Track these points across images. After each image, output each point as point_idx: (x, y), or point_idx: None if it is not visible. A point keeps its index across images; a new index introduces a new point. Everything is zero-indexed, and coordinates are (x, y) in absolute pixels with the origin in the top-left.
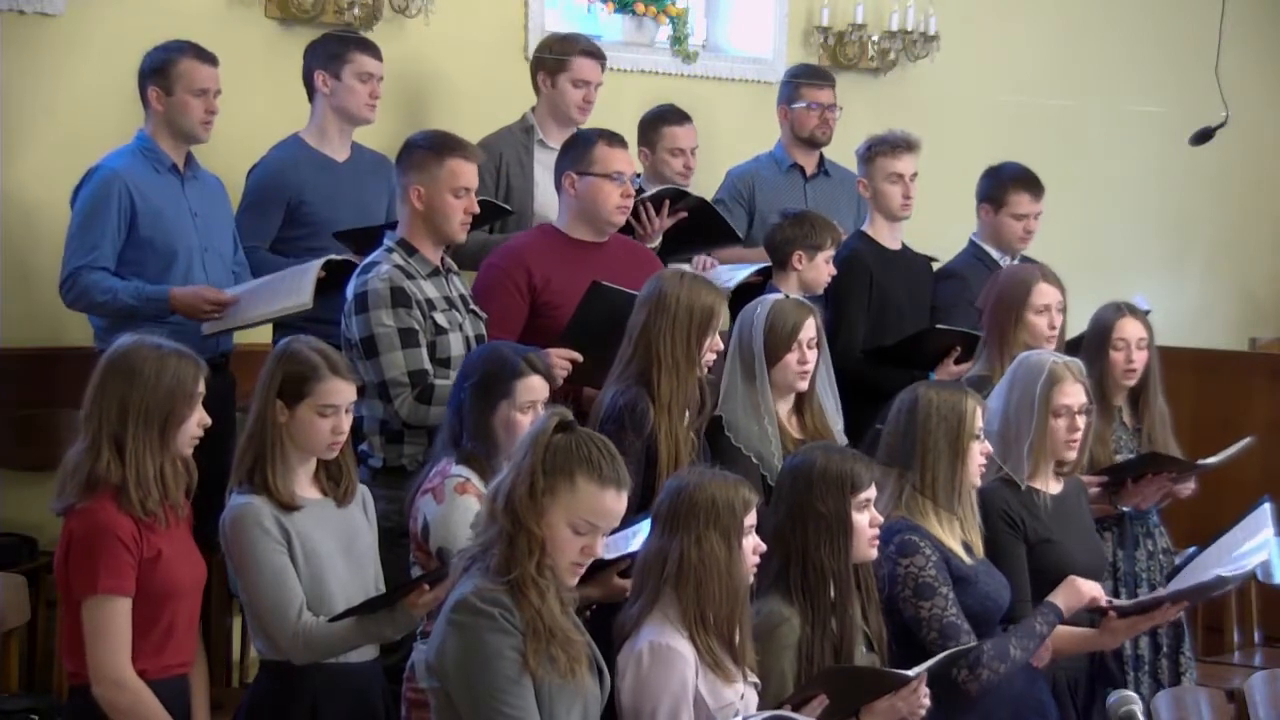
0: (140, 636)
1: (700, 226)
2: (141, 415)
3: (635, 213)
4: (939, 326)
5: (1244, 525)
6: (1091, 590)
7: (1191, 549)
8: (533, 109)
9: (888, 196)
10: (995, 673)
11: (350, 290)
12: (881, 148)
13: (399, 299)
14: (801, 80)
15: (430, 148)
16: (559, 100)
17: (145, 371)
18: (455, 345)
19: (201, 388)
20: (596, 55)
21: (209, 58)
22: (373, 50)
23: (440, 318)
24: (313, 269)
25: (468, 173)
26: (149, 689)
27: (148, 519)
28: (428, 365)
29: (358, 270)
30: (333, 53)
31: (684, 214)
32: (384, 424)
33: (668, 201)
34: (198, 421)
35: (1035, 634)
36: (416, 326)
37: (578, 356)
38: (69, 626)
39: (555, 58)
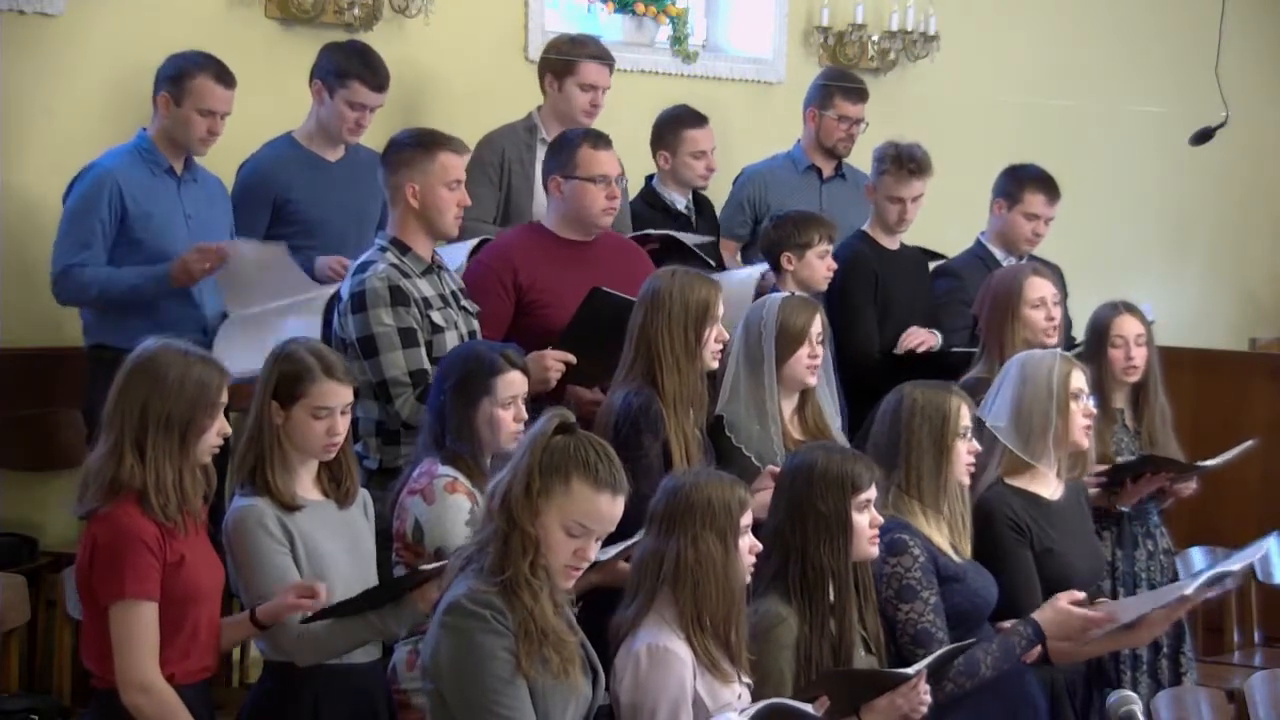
0: (167, 642)
1: (673, 256)
2: (162, 422)
3: None
4: (953, 349)
5: (1243, 554)
6: (1081, 624)
7: (1193, 549)
8: (538, 108)
9: (886, 213)
10: (960, 688)
11: (345, 290)
12: (890, 169)
13: (398, 298)
14: (837, 89)
15: (420, 144)
16: (564, 104)
17: (169, 378)
18: (451, 343)
19: (224, 397)
20: (605, 60)
21: (227, 80)
22: (375, 82)
23: (437, 316)
24: (321, 299)
25: (458, 166)
26: (174, 693)
27: (169, 524)
28: (428, 365)
29: (352, 270)
30: (338, 70)
31: (655, 245)
32: (380, 425)
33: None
34: (218, 431)
35: (1011, 654)
36: (415, 325)
37: (571, 359)
38: (92, 630)
39: (563, 59)
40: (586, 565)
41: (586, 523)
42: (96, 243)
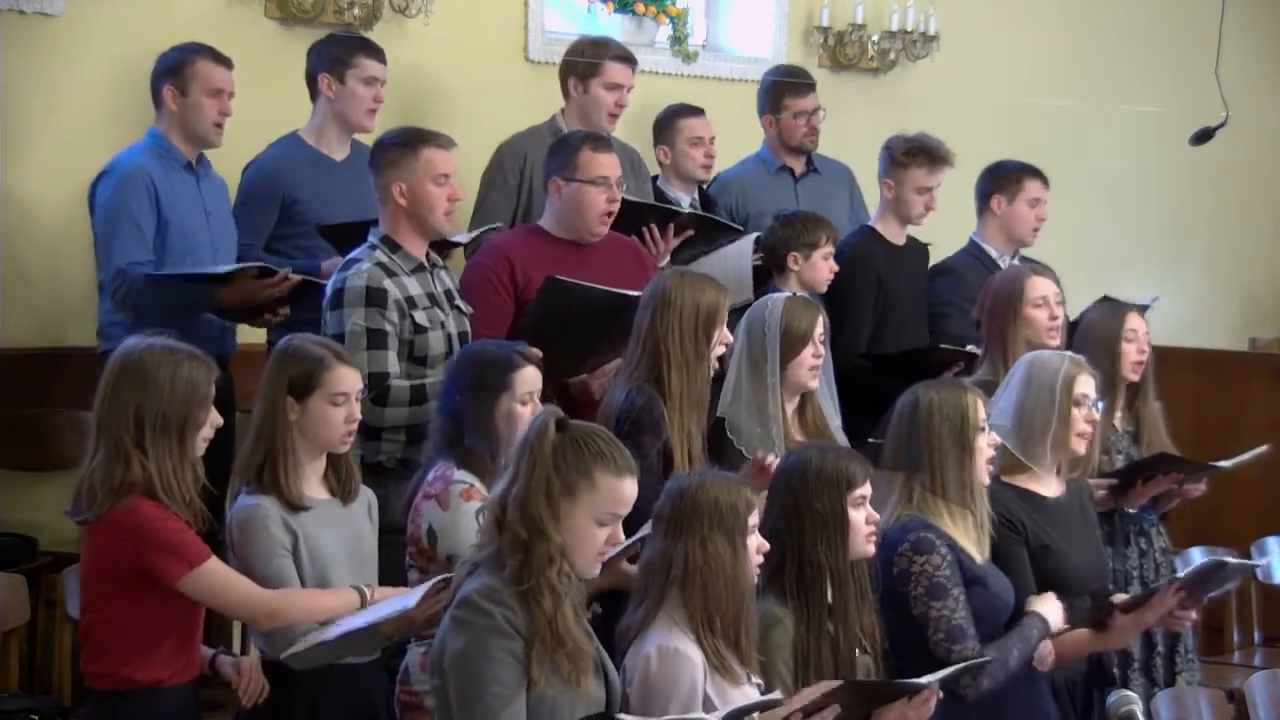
0: (161, 642)
1: (702, 232)
2: (159, 423)
3: (640, 235)
4: (942, 346)
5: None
6: (1056, 618)
7: (1193, 549)
8: (561, 111)
9: (912, 205)
10: (995, 681)
11: (330, 285)
12: (919, 160)
13: (374, 299)
14: (783, 87)
15: (404, 143)
16: (591, 105)
17: (160, 379)
18: (435, 343)
19: (213, 390)
20: (628, 60)
21: (224, 60)
22: (377, 54)
23: (420, 316)
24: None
25: (444, 160)
26: (292, 592)
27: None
28: (390, 368)
29: (339, 266)
30: (337, 56)
31: (690, 232)
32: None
33: (672, 226)
34: (210, 423)
35: (1030, 644)
36: (388, 329)
37: (536, 353)
38: (89, 630)
39: (588, 62)
40: (617, 545)
41: (616, 510)
42: (148, 241)
